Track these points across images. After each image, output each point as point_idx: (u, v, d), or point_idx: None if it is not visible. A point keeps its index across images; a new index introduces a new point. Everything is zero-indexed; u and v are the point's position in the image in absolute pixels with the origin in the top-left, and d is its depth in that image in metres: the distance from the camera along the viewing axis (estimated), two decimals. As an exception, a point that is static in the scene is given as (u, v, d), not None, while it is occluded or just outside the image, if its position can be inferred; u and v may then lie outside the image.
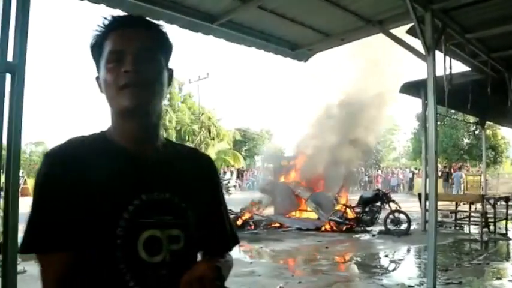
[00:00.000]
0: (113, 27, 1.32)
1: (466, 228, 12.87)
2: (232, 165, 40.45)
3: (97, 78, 1.36)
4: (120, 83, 1.25)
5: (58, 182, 1.21)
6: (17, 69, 2.40)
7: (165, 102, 39.88)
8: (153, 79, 1.30)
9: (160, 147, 1.39)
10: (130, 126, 1.31)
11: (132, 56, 1.27)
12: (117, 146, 1.32)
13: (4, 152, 2.44)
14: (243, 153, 48.32)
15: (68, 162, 1.23)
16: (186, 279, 1.17)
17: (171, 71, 1.41)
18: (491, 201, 12.16)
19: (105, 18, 1.34)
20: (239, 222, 13.34)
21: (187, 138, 40.55)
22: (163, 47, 1.38)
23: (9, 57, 2.41)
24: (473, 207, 13.15)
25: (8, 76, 2.38)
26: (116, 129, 1.34)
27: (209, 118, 41.73)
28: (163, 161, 1.35)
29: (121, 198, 1.24)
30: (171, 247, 1.28)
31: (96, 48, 1.33)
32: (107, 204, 1.22)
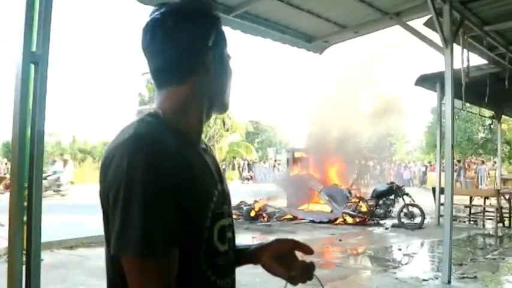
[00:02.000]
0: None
1: (480, 223, 12.80)
2: (245, 158, 40.51)
3: (209, 51, 1.25)
4: (233, 80, 1.33)
5: (166, 172, 1.06)
6: (41, 60, 2.42)
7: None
8: None
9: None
10: (206, 120, 1.32)
11: None
12: (185, 136, 1.22)
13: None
14: (255, 145, 48.32)
15: (168, 152, 1.09)
16: (273, 254, 1.35)
17: None
18: (507, 196, 12.06)
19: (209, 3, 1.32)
20: (252, 213, 13.37)
21: (201, 129, 40.59)
22: None
23: (33, 48, 2.42)
24: (487, 202, 13.05)
25: (32, 67, 2.40)
26: (188, 118, 1.24)
27: (224, 109, 41.77)
28: (211, 153, 1.38)
29: (210, 189, 1.23)
30: (229, 235, 1.30)
31: (220, 33, 1.30)
32: (202, 196, 1.19)
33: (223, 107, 1.35)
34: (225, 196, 1.31)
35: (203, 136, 1.37)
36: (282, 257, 1.34)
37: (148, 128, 1.14)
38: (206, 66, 1.23)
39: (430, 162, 34.82)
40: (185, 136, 1.22)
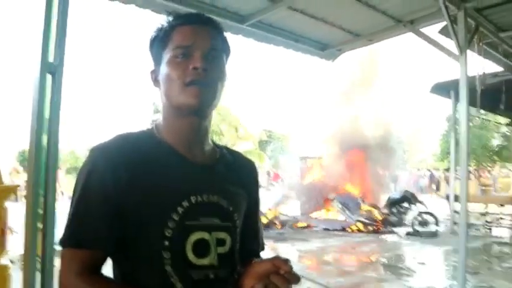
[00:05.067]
0: (183, 21, 1.31)
1: (495, 231, 12.64)
2: (257, 166, 40.56)
3: (152, 72, 1.35)
4: (187, 80, 1.24)
5: (102, 179, 1.18)
6: (57, 70, 2.46)
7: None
8: (218, 79, 1.29)
9: (209, 151, 1.38)
10: (185, 126, 1.29)
11: (201, 53, 1.26)
12: (167, 145, 1.29)
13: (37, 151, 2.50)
14: (268, 153, 48.27)
15: (115, 159, 1.19)
16: (252, 280, 1.16)
17: (227, 76, 1.38)
18: (523, 204, 11.92)
19: (171, 14, 1.34)
20: (265, 221, 13.36)
21: (214, 137, 40.76)
22: (227, 49, 1.38)
23: (50, 59, 2.46)
24: (504, 210, 12.88)
25: (49, 77, 2.44)
26: (167, 127, 1.32)
27: (237, 118, 41.82)
28: (211, 165, 1.35)
29: (170, 199, 1.21)
30: (219, 250, 1.26)
31: (159, 41, 1.31)
32: (155, 205, 1.19)
33: (184, 110, 1.27)
34: (209, 208, 1.26)
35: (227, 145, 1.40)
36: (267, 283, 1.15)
37: (116, 138, 1.26)
38: (157, 79, 1.33)
39: (444, 169, 34.53)
40: (167, 146, 1.29)
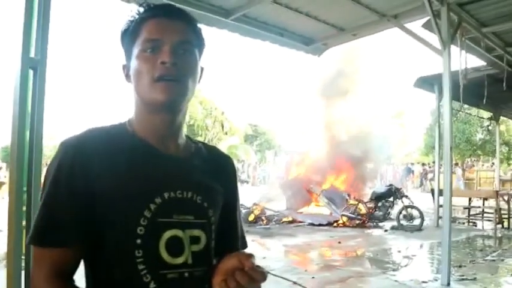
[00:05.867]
0: (152, 14, 1.25)
1: (479, 225, 12.79)
2: (243, 160, 40.53)
3: (124, 67, 1.30)
4: (156, 74, 1.19)
5: (71, 173, 1.13)
6: (39, 65, 2.43)
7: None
8: (188, 74, 1.24)
9: (183, 145, 1.33)
10: (157, 121, 1.25)
11: (171, 47, 1.21)
12: (139, 140, 1.25)
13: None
14: (254, 147, 48.31)
15: (86, 152, 1.15)
16: (220, 277, 1.13)
17: (202, 69, 1.33)
18: (505, 197, 12.07)
19: (142, 5, 1.28)
20: (251, 217, 13.37)
21: (199, 132, 40.68)
22: (199, 42, 1.32)
23: (31, 54, 2.43)
24: (486, 203, 13.05)
25: (31, 72, 2.41)
26: (140, 122, 1.27)
27: (222, 113, 41.78)
28: (185, 159, 1.30)
29: (143, 196, 1.17)
30: (193, 248, 1.21)
31: (130, 34, 1.26)
32: (127, 202, 1.15)
33: (154, 106, 1.22)
34: (182, 205, 1.22)
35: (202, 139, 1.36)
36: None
37: (87, 131, 1.22)
38: (129, 74, 1.28)
39: (428, 163, 34.83)
40: (140, 140, 1.25)
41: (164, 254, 1.16)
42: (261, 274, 1.09)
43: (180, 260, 1.18)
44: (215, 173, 1.36)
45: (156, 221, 1.16)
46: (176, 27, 1.24)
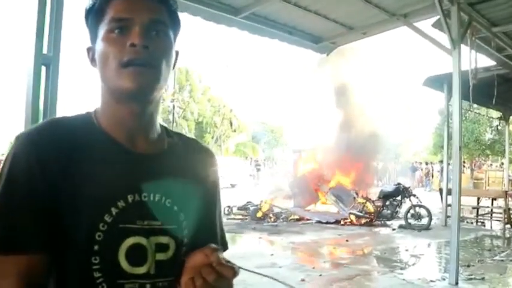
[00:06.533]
0: None
1: (487, 224, 12.74)
2: (251, 158, 40.59)
3: (89, 49, 1.14)
4: (124, 59, 1.03)
5: (29, 168, 0.99)
6: (52, 62, 2.45)
7: (186, 94, 40.15)
8: (161, 58, 1.08)
9: (154, 141, 1.17)
10: (125, 113, 1.10)
11: (141, 28, 1.05)
12: (103, 134, 1.11)
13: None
14: (262, 145, 48.37)
15: (44, 146, 1.01)
16: (187, 275, 0.99)
17: (177, 53, 1.18)
18: (515, 197, 12.01)
19: None
20: (259, 214, 13.45)
21: (208, 130, 40.79)
22: (174, 23, 1.15)
23: (44, 50, 2.45)
24: (495, 203, 12.99)
25: (43, 69, 2.43)
26: (105, 113, 1.13)
27: (230, 110, 41.84)
28: (155, 157, 1.15)
29: (104, 198, 1.04)
30: (158, 257, 1.09)
31: (94, 13, 1.10)
32: (86, 204, 1.02)
33: (121, 95, 1.07)
34: (147, 210, 1.08)
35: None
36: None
37: (45, 123, 1.10)
38: (94, 57, 1.12)
39: (431, 162, 34.81)
40: (105, 134, 1.10)
41: (123, 263, 1.04)
42: (230, 269, 0.96)
43: (141, 270, 1.06)
44: (191, 169, 1.21)
45: (117, 227, 1.04)
46: (148, 5, 1.09)
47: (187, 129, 38.21)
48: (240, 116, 43.77)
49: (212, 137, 41.04)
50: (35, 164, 0.99)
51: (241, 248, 9.20)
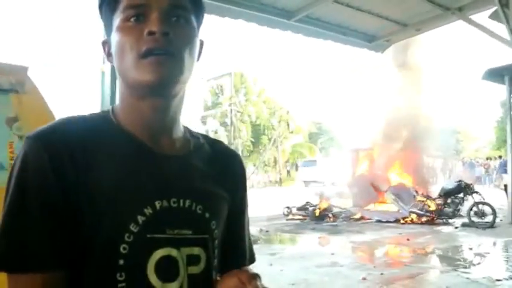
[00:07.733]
0: None
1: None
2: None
3: (104, 43, 1.04)
4: (142, 49, 0.92)
5: (41, 175, 0.87)
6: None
7: (242, 97, 40.57)
8: (184, 46, 0.96)
9: (179, 140, 1.06)
10: (146, 109, 0.98)
11: (160, 13, 0.94)
12: (124, 133, 0.99)
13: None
14: (318, 145, 48.17)
15: (58, 149, 0.89)
16: None
17: (202, 43, 1.06)
18: None
19: None
20: (317, 213, 13.50)
21: (265, 132, 41.06)
22: (197, 8, 1.03)
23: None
24: None
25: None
26: (125, 110, 1.02)
27: (287, 112, 41.94)
28: (182, 158, 1.04)
29: (128, 205, 0.92)
30: (190, 270, 0.97)
31: (108, 2, 0.99)
32: (108, 212, 0.90)
33: (141, 89, 0.96)
34: (178, 217, 0.97)
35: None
36: None
37: (59, 122, 0.97)
38: (110, 51, 1.02)
39: (493, 157, 33.63)
40: (126, 134, 0.99)
41: (153, 279, 0.92)
42: None
43: (173, 286, 0.94)
44: (220, 174, 1.10)
45: (145, 237, 0.92)
46: None
47: (245, 132, 38.65)
48: (296, 117, 43.80)
49: (269, 139, 41.28)
50: (49, 169, 0.88)
51: (302, 248, 9.29)
